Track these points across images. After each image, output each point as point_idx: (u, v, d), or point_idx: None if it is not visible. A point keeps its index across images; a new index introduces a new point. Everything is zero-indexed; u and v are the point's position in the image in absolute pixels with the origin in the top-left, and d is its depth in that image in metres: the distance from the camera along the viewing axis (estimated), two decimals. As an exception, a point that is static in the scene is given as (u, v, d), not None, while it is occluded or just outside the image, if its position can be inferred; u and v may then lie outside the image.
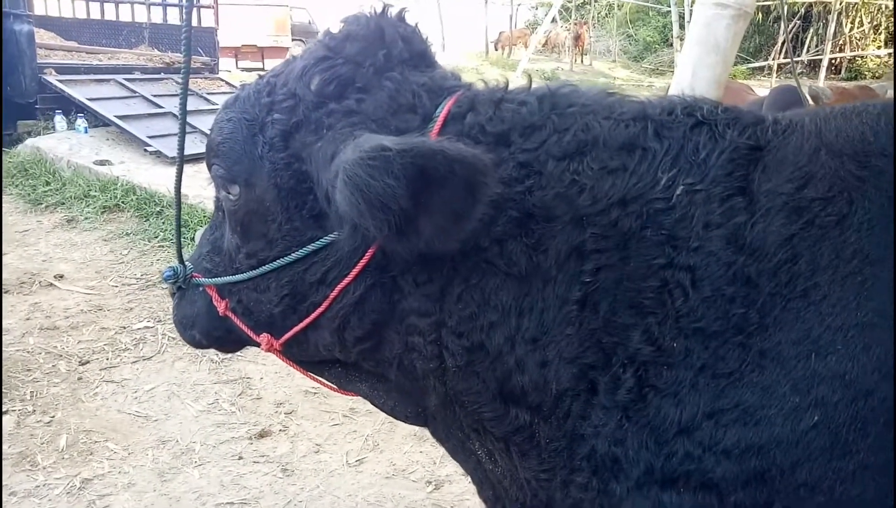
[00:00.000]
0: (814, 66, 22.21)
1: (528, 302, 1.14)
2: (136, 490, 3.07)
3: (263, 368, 4.10)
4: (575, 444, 1.12)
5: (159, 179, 7.00)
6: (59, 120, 8.41)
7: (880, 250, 0.94)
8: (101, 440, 3.41)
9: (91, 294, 5.01)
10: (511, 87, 1.34)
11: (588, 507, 1.11)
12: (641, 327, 1.06)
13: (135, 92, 8.97)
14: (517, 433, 1.21)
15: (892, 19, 22.14)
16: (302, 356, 1.47)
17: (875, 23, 23.86)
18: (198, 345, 1.66)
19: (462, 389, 1.23)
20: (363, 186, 1.01)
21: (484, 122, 1.22)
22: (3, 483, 3.02)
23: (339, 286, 1.25)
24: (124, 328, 4.55)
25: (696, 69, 3.02)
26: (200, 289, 1.54)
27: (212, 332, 1.58)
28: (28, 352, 4.13)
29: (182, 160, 1.53)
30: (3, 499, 2.92)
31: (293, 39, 19.49)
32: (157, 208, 6.55)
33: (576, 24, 26.45)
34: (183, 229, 5.86)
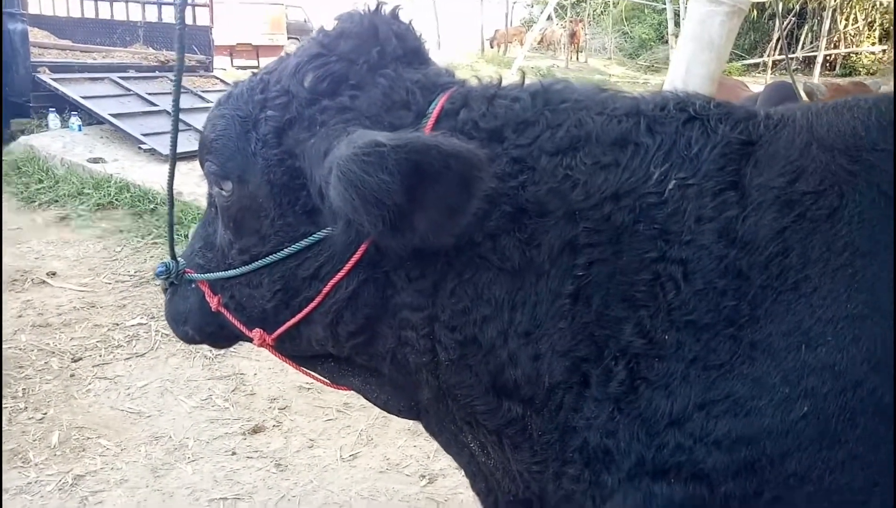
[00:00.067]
0: (808, 62, 22.30)
1: (521, 296, 1.15)
2: (129, 486, 3.07)
3: (257, 364, 4.10)
4: (567, 436, 1.13)
5: (153, 176, 6.98)
6: (53, 118, 8.37)
7: (871, 244, 0.95)
8: (93, 436, 3.40)
9: (84, 291, 5.00)
10: (505, 83, 1.34)
11: (580, 499, 1.12)
12: (633, 320, 1.07)
13: (129, 90, 8.94)
14: (510, 426, 1.21)
15: (888, 16, 22.23)
16: (295, 351, 1.47)
17: (869, 19, 23.96)
18: (190, 341, 1.66)
19: (455, 382, 1.23)
20: (357, 182, 1.01)
21: (477, 118, 1.22)
22: (-4, 480, 3.01)
23: (332, 281, 1.26)
24: (117, 324, 4.53)
25: (690, 66, 3.03)
26: (193, 285, 1.54)
27: (204, 328, 1.57)
28: (20, 349, 4.12)
29: (175, 157, 1.53)
30: (-4, 496, 2.91)
31: (288, 38, 19.44)
32: (151, 206, 6.53)
33: (571, 21, 26.47)
34: (177, 227, 5.86)
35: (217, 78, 10.74)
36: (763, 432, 0.94)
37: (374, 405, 1.52)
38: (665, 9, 17.78)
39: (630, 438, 1.05)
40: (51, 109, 8.41)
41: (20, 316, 4.53)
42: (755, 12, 22.81)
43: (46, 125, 8.41)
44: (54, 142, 7.79)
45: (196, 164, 1.45)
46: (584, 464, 1.11)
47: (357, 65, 1.27)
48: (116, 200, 6.67)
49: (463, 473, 1.50)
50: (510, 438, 1.24)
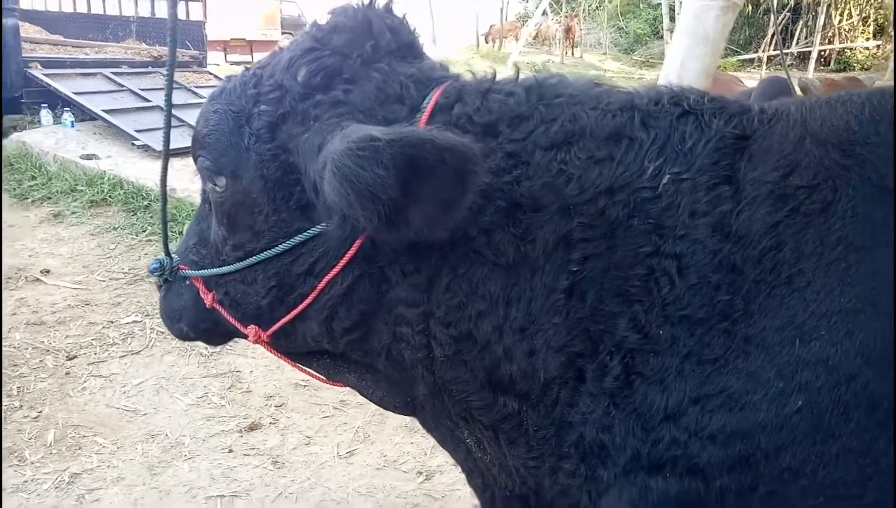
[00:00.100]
0: (803, 57, 22.33)
1: (516, 291, 1.15)
2: (126, 483, 3.06)
3: (253, 361, 4.09)
4: (563, 431, 1.13)
5: (147, 173, 6.95)
6: (45, 114, 8.33)
7: (864, 238, 0.95)
8: (89, 434, 3.39)
9: (78, 289, 4.98)
10: (499, 78, 1.34)
11: (576, 493, 1.12)
12: (628, 315, 1.07)
13: (122, 86, 8.89)
14: (505, 422, 1.21)
15: (882, 11, 22.26)
16: (290, 347, 1.47)
17: (864, 15, 24.01)
18: (185, 338, 1.66)
19: (450, 378, 1.23)
20: (352, 177, 1.01)
21: (471, 112, 1.22)
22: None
23: (327, 277, 1.25)
24: (112, 322, 4.52)
25: (684, 60, 3.03)
26: (187, 281, 1.53)
27: (199, 324, 1.57)
28: (14, 347, 4.10)
29: (168, 152, 1.52)
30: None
31: (283, 33, 19.34)
32: (145, 203, 6.50)
33: (566, 16, 26.43)
34: (171, 224, 5.84)
35: (210, 73, 10.69)
36: (758, 426, 0.95)
37: (370, 401, 1.52)
38: (660, 4, 17.78)
39: (625, 433, 1.05)
40: (43, 105, 8.36)
41: (14, 314, 4.51)
42: (750, 8, 22.82)
43: (39, 121, 8.36)
44: (47, 138, 7.75)
45: (189, 160, 1.45)
46: (580, 459, 1.11)
47: (350, 59, 1.27)
48: (110, 197, 6.64)
49: (460, 469, 1.50)
50: (506, 433, 1.24)
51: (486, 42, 27.67)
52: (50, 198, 6.70)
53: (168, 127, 1.50)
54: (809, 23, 23.29)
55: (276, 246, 1.29)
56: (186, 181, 6.36)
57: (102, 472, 3.13)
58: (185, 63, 10.42)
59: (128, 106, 8.47)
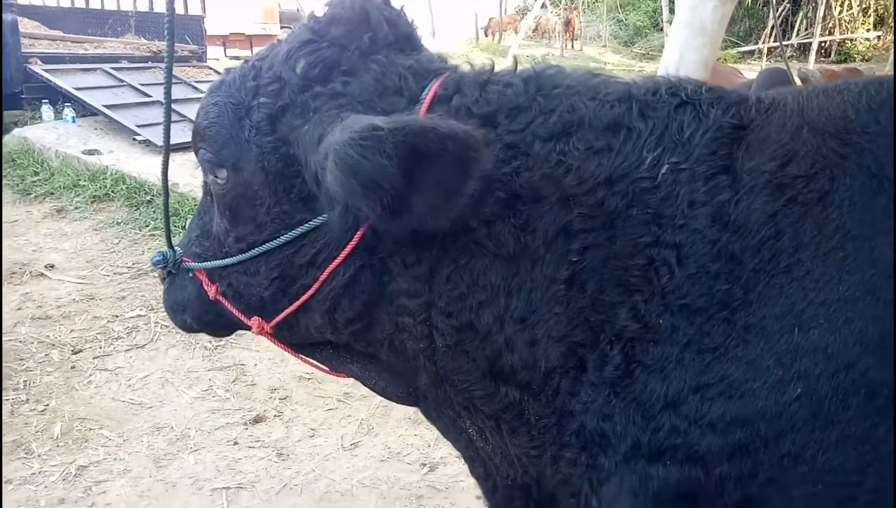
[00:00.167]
0: (803, 49, 22.23)
1: (517, 282, 1.16)
2: (132, 476, 3.09)
3: (257, 354, 4.11)
4: (564, 420, 1.14)
5: (149, 168, 6.96)
6: (46, 110, 8.33)
7: (862, 226, 0.95)
8: (95, 427, 3.42)
9: (82, 284, 5.00)
10: (498, 69, 1.34)
11: (577, 482, 1.13)
12: (628, 304, 1.07)
13: (122, 81, 8.88)
14: (507, 411, 1.22)
15: (882, 2, 22.12)
16: (293, 338, 1.48)
17: (864, 5, 23.87)
18: (189, 330, 1.67)
19: (452, 368, 1.24)
20: (355, 167, 1.01)
21: (470, 103, 1.23)
22: (-2, 472, 3.03)
23: (329, 268, 1.26)
24: (117, 316, 4.54)
25: (683, 52, 3.03)
26: (191, 274, 1.54)
27: (203, 316, 1.58)
28: (20, 342, 4.12)
29: (168, 143, 1.53)
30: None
31: (281, 27, 19.29)
32: (148, 197, 6.52)
33: (566, 9, 26.32)
34: (174, 218, 5.85)
35: (210, 68, 10.68)
36: (757, 414, 0.95)
37: (373, 391, 1.53)
38: (660, -6, 17.68)
39: (626, 421, 1.06)
40: (43, 101, 8.36)
41: (19, 309, 4.53)
42: (750, -2, 22.72)
43: (40, 117, 8.36)
44: (48, 134, 7.75)
45: (191, 155, 1.45)
46: (581, 448, 1.12)
47: (349, 51, 1.27)
48: (112, 191, 6.66)
49: (462, 460, 1.52)
50: (508, 423, 1.25)
51: (486, 35, 27.59)
52: (53, 193, 6.71)
53: (168, 120, 1.51)
54: (809, 14, 23.17)
55: (278, 238, 1.30)
56: (188, 176, 6.37)
57: (109, 464, 3.16)
58: (185, 58, 10.40)
59: (128, 101, 8.47)
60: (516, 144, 1.18)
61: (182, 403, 3.67)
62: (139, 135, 7.75)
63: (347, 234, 1.22)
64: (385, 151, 1.00)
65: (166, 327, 4.38)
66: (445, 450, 3.23)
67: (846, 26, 24.06)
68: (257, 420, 3.54)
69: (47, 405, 3.56)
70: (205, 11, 11.53)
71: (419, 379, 1.35)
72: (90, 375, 3.87)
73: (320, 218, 1.26)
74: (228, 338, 4.21)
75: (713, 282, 1.01)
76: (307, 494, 3.04)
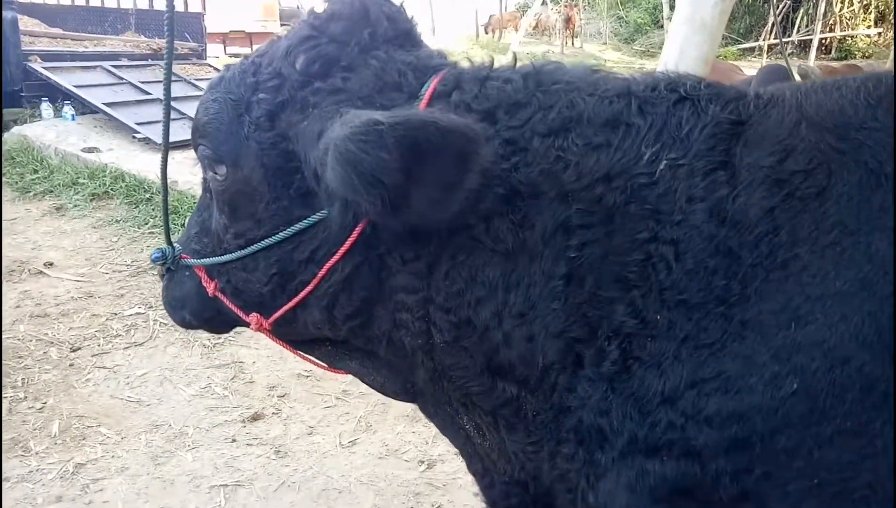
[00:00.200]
0: (804, 46, 22.23)
1: (515, 278, 1.16)
2: (130, 473, 3.09)
3: (256, 352, 4.11)
4: (561, 416, 1.14)
5: (148, 165, 6.95)
6: (46, 107, 8.33)
7: (859, 222, 0.95)
8: (93, 425, 3.42)
9: (81, 281, 5.00)
10: (497, 66, 1.34)
11: (574, 477, 1.13)
12: (626, 300, 1.07)
13: (122, 79, 8.89)
14: (505, 407, 1.22)
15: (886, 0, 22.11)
16: (292, 335, 1.48)
17: (865, 2, 23.86)
18: (188, 326, 1.67)
19: (450, 364, 1.24)
20: (355, 162, 1.01)
21: (469, 99, 1.22)
22: (-3, 469, 3.03)
23: (328, 264, 1.26)
24: (115, 314, 4.54)
25: (683, 48, 3.03)
26: (189, 270, 1.55)
27: (202, 313, 1.58)
28: (18, 339, 4.13)
29: (167, 140, 1.53)
30: (-2, 485, 2.93)
31: (282, 25, 19.26)
32: (147, 195, 6.52)
33: (566, 6, 26.29)
34: (173, 216, 5.84)
35: (210, 66, 10.67)
36: (753, 409, 0.95)
37: (371, 387, 1.53)
38: (661, -8, 17.66)
39: (623, 417, 1.06)
40: (43, 99, 8.36)
41: (18, 306, 4.53)
42: (751, -5, 22.71)
43: (39, 115, 8.36)
44: (48, 131, 7.75)
45: (190, 152, 1.46)
46: (578, 443, 1.12)
47: (348, 47, 1.27)
48: (112, 189, 6.66)
49: (461, 457, 1.52)
50: (505, 418, 1.25)
51: (486, 33, 27.56)
52: (52, 191, 6.71)
53: (167, 116, 1.51)
54: (810, 11, 23.16)
55: (277, 234, 1.30)
56: (188, 174, 6.36)
57: (107, 462, 3.16)
58: (185, 55, 10.40)
59: (128, 99, 8.47)
60: (515, 140, 1.18)
61: (180, 400, 3.67)
62: (139, 133, 7.75)
63: (346, 230, 1.22)
64: (385, 145, 1.00)
65: (165, 324, 4.38)
66: (443, 447, 3.24)
67: (847, 23, 24.06)
68: (255, 418, 3.54)
69: (45, 403, 3.56)
70: (205, 9, 11.52)
71: (417, 375, 1.35)
72: (88, 373, 3.87)
73: (319, 214, 1.26)
74: (227, 336, 4.21)
75: (711, 278, 1.01)
76: (305, 491, 3.04)
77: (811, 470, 0.92)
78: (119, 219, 6.16)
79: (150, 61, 9.89)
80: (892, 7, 21.69)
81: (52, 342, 4.14)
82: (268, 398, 3.72)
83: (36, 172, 6.99)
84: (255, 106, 1.29)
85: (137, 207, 6.39)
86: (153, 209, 6.26)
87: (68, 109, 8.17)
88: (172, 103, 1.48)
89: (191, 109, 7.80)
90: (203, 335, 4.23)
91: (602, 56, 24.10)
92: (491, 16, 27.99)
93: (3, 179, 6.89)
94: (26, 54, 8.49)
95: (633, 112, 1.14)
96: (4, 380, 3.69)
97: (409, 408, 3.39)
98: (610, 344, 1.08)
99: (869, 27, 23.86)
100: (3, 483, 2.96)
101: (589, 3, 29.81)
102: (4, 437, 3.24)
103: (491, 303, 1.17)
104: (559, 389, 1.14)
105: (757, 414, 0.95)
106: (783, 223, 0.99)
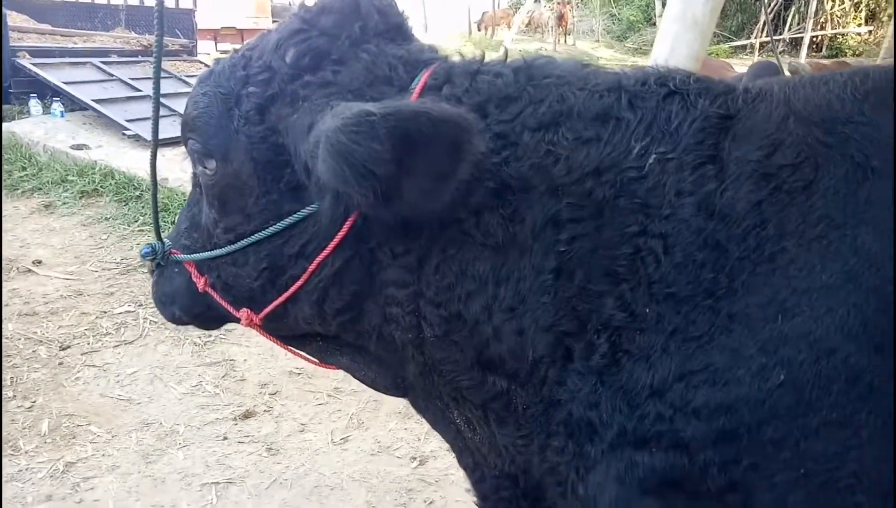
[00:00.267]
0: (795, 43, 22.34)
1: (505, 272, 1.16)
2: (121, 472, 3.08)
3: (247, 350, 4.10)
4: (551, 409, 1.14)
5: (138, 163, 6.91)
6: (34, 104, 8.26)
7: (845, 215, 0.96)
8: (83, 423, 3.40)
9: (70, 279, 4.97)
10: (488, 60, 1.34)
11: (564, 470, 1.13)
12: (615, 293, 1.08)
13: (112, 75, 8.83)
14: (495, 401, 1.23)
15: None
16: (282, 330, 1.47)
17: (856, 0, 24.01)
18: (178, 322, 1.66)
19: (440, 358, 1.24)
20: (347, 153, 1.01)
21: (460, 93, 1.22)
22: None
23: (318, 259, 1.26)
24: (105, 312, 4.52)
25: (674, 45, 3.04)
26: (179, 266, 1.54)
27: (192, 309, 1.58)
28: (7, 338, 4.10)
29: (157, 133, 1.52)
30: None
31: (273, 21, 19.16)
32: (137, 193, 6.48)
33: (559, 3, 26.30)
34: (163, 213, 5.80)
35: (201, 62, 10.62)
36: (741, 401, 0.96)
37: (363, 383, 1.53)
38: (652, -10, 17.70)
39: (612, 409, 1.06)
40: (32, 95, 8.29)
41: (6, 305, 4.50)
42: (742, -7, 22.82)
43: (28, 111, 8.29)
44: (36, 128, 7.69)
45: (181, 149, 1.45)
46: (568, 436, 1.12)
47: (339, 40, 1.27)
48: (101, 187, 6.62)
49: (451, 450, 1.52)
50: (495, 412, 1.25)
51: (479, 30, 27.56)
52: (40, 188, 6.66)
53: (156, 112, 1.50)
54: (801, 8, 23.29)
55: (267, 228, 1.30)
56: (178, 171, 6.33)
57: (97, 461, 3.14)
58: (175, 52, 10.34)
59: (118, 95, 8.42)
60: (506, 133, 1.18)
61: (171, 399, 3.65)
62: (129, 130, 7.70)
63: (336, 224, 1.22)
64: (377, 136, 1.00)
65: (155, 322, 4.36)
66: (436, 444, 3.24)
67: (838, 21, 24.22)
68: (247, 416, 3.54)
69: (34, 402, 3.54)
70: (195, 5, 11.46)
71: (407, 370, 1.35)
72: (78, 371, 3.85)
73: (309, 208, 1.25)
74: (218, 334, 4.19)
75: (699, 271, 1.02)
76: (297, 489, 3.04)
77: (797, 461, 0.93)
78: (108, 216, 6.12)
79: (140, 58, 9.83)
80: (892, 7, 21.81)
81: (41, 341, 4.12)
82: (259, 396, 3.71)
83: (24, 169, 6.93)
84: (245, 100, 1.28)
85: (127, 204, 6.35)
86: (143, 207, 6.23)
87: (57, 106, 8.11)
88: (162, 100, 1.47)
89: (181, 105, 7.75)
90: (194, 333, 4.21)
91: (595, 53, 24.13)
92: (484, 13, 27.99)
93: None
94: (15, 50, 8.42)
95: (623, 106, 1.14)
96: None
97: (402, 405, 3.39)
98: (599, 338, 1.08)
99: (860, 25, 24.03)
100: (-8, 481, 2.95)
101: (582, 0, 29.85)
102: (-7, 435, 3.22)
103: (481, 297, 1.17)
104: (549, 382, 1.14)
105: (744, 406, 0.96)
106: (770, 217, 0.99)
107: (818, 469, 0.92)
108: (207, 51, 15.54)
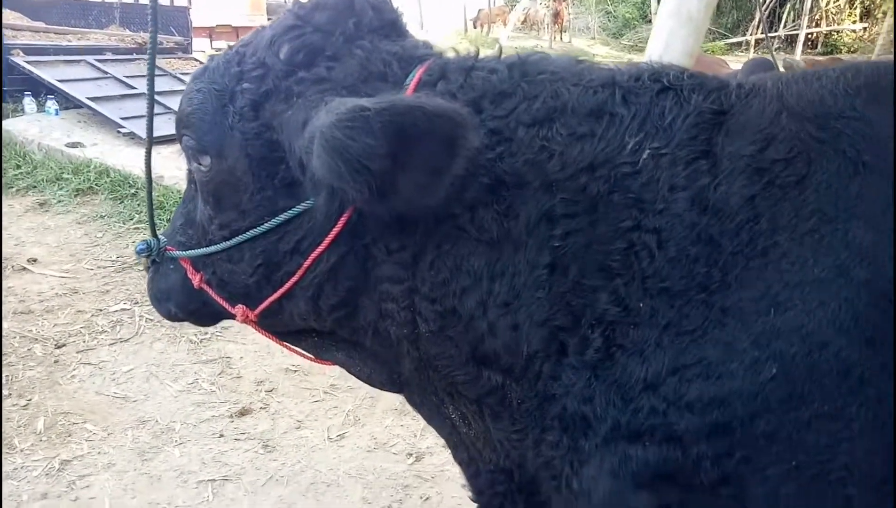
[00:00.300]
0: (790, 41, 22.37)
1: (500, 267, 1.16)
2: (117, 469, 3.08)
3: (243, 347, 4.10)
4: (546, 404, 1.15)
5: (133, 160, 6.89)
6: (29, 102, 8.22)
7: (836, 209, 0.97)
8: (79, 421, 3.40)
9: (66, 278, 4.95)
10: (482, 56, 1.34)
11: (558, 464, 1.14)
12: (609, 288, 1.08)
13: (106, 73, 8.79)
14: (490, 396, 1.23)
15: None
16: (278, 326, 1.48)
17: (851, -3, 24.09)
18: (174, 319, 1.66)
19: (435, 353, 1.25)
20: (342, 149, 1.01)
21: (455, 89, 1.23)
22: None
23: (313, 255, 1.26)
24: (101, 310, 4.51)
25: (668, 42, 3.04)
26: (175, 263, 1.54)
27: (187, 305, 1.58)
28: (2, 336, 4.08)
29: (151, 131, 1.52)
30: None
31: (269, 19, 19.11)
32: (132, 190, 6.46)
33: (555, 1, 26.27)
34: (159, 211, 5.78)
35: (196, 60, 10.58)
36: (734, 394, 0.97)
37: (358, 378, 1.53)
38: (648, -12, 17.71)
39: (606, 404, 1.07)
40: (26, 93, 8.25)
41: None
42: (738, -9, 22.86)
43: (22, 109, 8.26)
44: (31, 126, 7.66)
45: (176, 147, 1.45)
46: (563, 430, 1.13)
47: (333, 36, 1.27)
48: (96, 185, 6.59)
49: (446, 445, 1.52)
50: (490, 407, 1.25)
51: (475, 27, 27.51)
52: (35, 187, 6.64)
53: (151, 109, 1.50)
54: (797, 6, 23.33)
55: (262, 224, 1.30)
56: (174, 169, 6.32)
57: (93, 458, 3.14)
58: (170, 49, 10.31)
59: (112, 93, 8.39)
60: (500, 129, 1.18)
61: (167, 396, 3.65)
62: (123, 127, 7.67)
63: (331, 220, 1.22)
64: (372, 131, 1.00)
65: (151, 320, 4.36)
66: (432, 440, 3.25)
67: (833, 18, 24.28)
68: (243, 413, 3.54)
69: (30, 400, 3.53)
70: (190, 3, 11.43)
71: (403, 365, 1.35)
72: (74, 369, 3.84)
73: (304, 204, 1.25)
74: (214, 331, 4.19)
75: (692, 265, 1.02)
76: (293, 485, 3.04)
77: (789, 454, 0.94)
78: (104, 214, 6.11)
79: (134, 55, 9.79)
80: (887, 4, 21.86)
81: (37, 339, 4.11)
82: (255, 393, 3.71)
83: (19, 167, 6.91)
84: (240, 96, 1.28)
85: (122, 202, 6.33)
86: (138, 204, 6.21)
87: (52, 104, 8.07)
88: (158, 98, 1.47)
89: (176, 103, 7.69)
90: (190, 330, 4.21)
91: (591, 51, 24.13)
92: (480, 10, 27.94)
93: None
94: (9, 48, 8.38)
95: (617, 102, 1.15)
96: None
97: (398, 401, 3.39)
98: (593, 332, 1.09)
99: (854, 22, 24.10)
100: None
101: (577, -3, 29.82)
102: (-12, 434, 3.22)
103: (476, 292, 1.18)
104: (543, 377, 1.15)
105: (737, 399, 0.96)
106: (763, 211, 1.00)
107: (810, 461, 0.93)
108: (203, 49, 15.49)
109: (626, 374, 1.05)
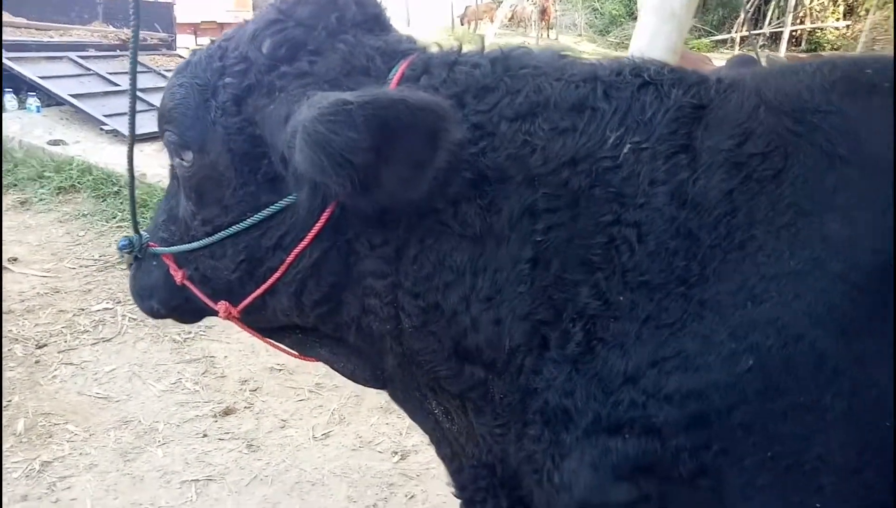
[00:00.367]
0: (775, 38, 22.64)
1: (482, 262, 1.16)
2: (99, 470, 3.04)
3: (227, 346, 4.07)
4: (528, 398, 1.15)
5: (116, 158, 6.81)
6: (10, 99, 8.09)
7: (812, 203, 0.98)
8: (60, 422, 3.35)
9: (47, 277, 4.89)
10: (465, 50, 1.34)
11: (540, 458, 1.14)
12: (590, 282, 1.09)
13: (89, 70, 8.67)
14: (472, 390, 1.23)
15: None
16: (261, 322, 1.47)
17: (834, -5, 24.40)
18: (156, 315, 1.65)
19: (418, 349, 1.25)
20: (324, 143, 1.01)
21: (438, 84, 1.23)
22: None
23: (296, 251, 1.26)
24: (83, 310, 4.45)
25: (652, 38, 3.06)
26: (157, 259, 1.53)
27: (170, 302, 1.56)
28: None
29: (133, 127, 1.50)
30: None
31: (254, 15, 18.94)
32: (115, 189, 6.38)
33: (541, -1, 26.32)
34: (142, 209, 5.71)
35: (180, 56, 10.48)
36: (711, 386, 0.98)
37: (342, 374, 1.53)
38: (634, -13, 17.78)
39: (587, 397, 1.08)
40: (7, 90, 8.12)
41: (-20, 302, 4.42)
42: (723, -11, 23.06)
43: (3, 107, 8.12)
44: (11, 124, 7.54)
45: (159, 145, 1.44)
46: (544, 424, 1.13)
47: (315, 31, 1.27)
48: (79, 183, 6.51)
49: (430, 441, 1.52)
50: (473, 402, 1.26)
51: (462, 24, 27.49)
52: (16, 185, 6.53)
53: (133, 105, 1.49)
54: (781, 3, 23.59)
55: (245, 220, 1.29)
56: (157, 166, 6.26)
57: (74, 459, 3.10)
58: (154, 46, 10.21)
59: (95, 90, 8.27)
60: (483, 124, 1.18)
61: (150, 396, 3.61)
62: (106, 125, 7.58)
63: (314, 215, 1.21)
64: (355, 125, 1.00)
65: (133, 319, 4.31)
66: (417, 438, 3.24)
67: (816, 16, 24.58)
68: (227, 412, 3.51)
69: (10, 401, 3.48)
70: (174, -1, 11.31)
71: (386, 361, 1.35)
72: (55, 369, 3.79)
73: (287, 199, 1.25)
74: (198, 330, 4.15)
75: (671, 259, 1.03)
76: (278, 485, 3.02)
77: (765, 444, 0.95)
78: (86, 213, 6.03)
79: (118, 52, 9.66)
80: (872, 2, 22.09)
81: (17, 339, 4.05)
82: (240, 393, 3.69)
83: (-1, 165, 6.81)
84: (222, 90, 1.28)
85: (105, 200, 6.26)
86: (121, 203, 6.14)
87: (33, 101, 7.96)
88: (141, 95, 1.46)
89: (159, 100, 7.66)
90: (173, 329, 4.17)
91: (577, 48, 24.21)
92: (467, 7, 27.92)
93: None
94: (-11, 44, 8.25)
95: (599, 96, 1.16)
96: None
97: (383, 400, 3.39)
98: (574, 326, 1.09)
99: (838, 20, 24.42)
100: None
101: (564, -5, 29.89)
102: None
103: (459, 287, 1.18)
104: (525, 371, 1.15)
105: (715, 391, 0.97)
106: (741, 205, 1.01)
107: (785, 451, 0.94)
108: (187, 45, 15.36)
109: (606, 367, 1.06)
